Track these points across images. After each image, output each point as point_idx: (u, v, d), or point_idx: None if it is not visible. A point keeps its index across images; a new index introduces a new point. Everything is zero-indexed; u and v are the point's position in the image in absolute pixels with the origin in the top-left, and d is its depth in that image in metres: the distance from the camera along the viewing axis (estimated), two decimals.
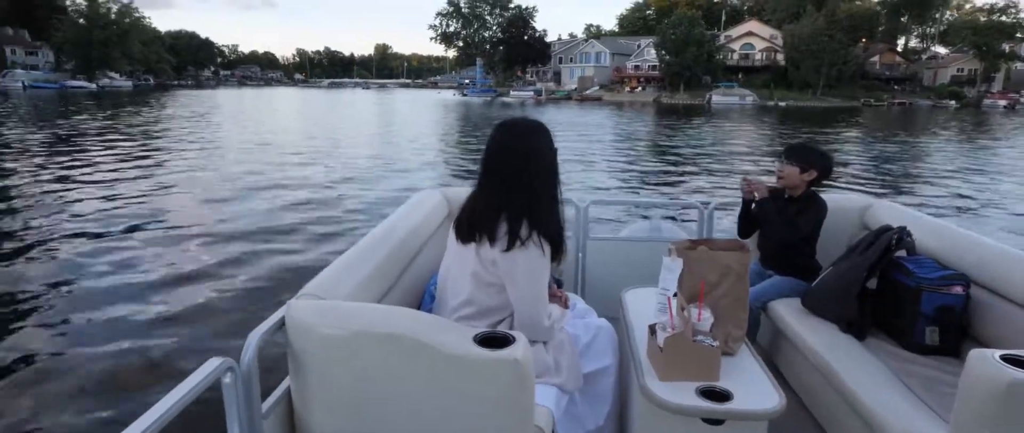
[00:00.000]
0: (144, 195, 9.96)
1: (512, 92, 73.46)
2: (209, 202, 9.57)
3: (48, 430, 3.46)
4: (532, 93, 71.61)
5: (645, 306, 2.23)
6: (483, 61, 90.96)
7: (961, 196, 11.89)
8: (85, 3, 75.31)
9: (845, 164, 16.34)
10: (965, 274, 2.32)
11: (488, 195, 1.79)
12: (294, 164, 14.00)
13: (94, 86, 68.04)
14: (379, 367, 1.47)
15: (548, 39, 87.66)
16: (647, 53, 73.20)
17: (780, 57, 69.23)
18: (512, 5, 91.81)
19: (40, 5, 77.49)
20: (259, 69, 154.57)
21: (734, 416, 1.66)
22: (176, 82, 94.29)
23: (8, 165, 12.99)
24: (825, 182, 2.89)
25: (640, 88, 71.41)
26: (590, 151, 18.12)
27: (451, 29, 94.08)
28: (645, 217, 4.24)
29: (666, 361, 1.76)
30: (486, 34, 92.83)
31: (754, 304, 2.70)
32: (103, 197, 9.68)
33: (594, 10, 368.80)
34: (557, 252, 1.81)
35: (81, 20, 73.19)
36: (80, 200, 9.49)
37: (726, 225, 4.56)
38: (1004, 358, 1.47)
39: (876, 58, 72.15)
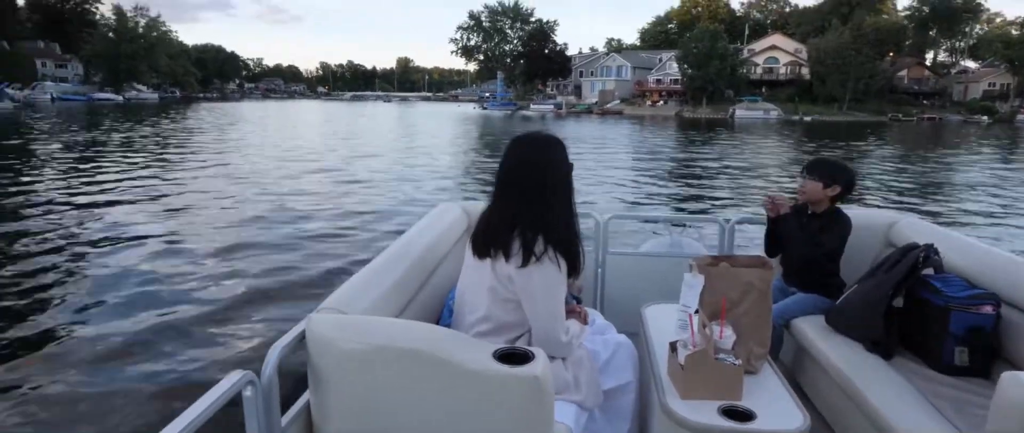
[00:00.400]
0: (164, 206, 10.02)
1: (532, 106, 73.26)
2: (229, 213, 9.61)
3: None
4: (552, 107, 71.36)
5: (665, 322, 2.19)
6: (504, 74, 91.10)
7: (992, 214, 11.46)
8: (114, 17, 77.05)
9: (872, 180, 15.89)
10: (995, 293, 2.23)
11: (503, 210, 1.78)
12: (314, 176, 14.01)
13: (121, 98, 69.25)
14: (398, 382, 1.47)
15: (569, 53, 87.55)
16: (669, 67, 72.67)
17: (805, 71, 68.28)
18: (533, 19, 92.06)
19: (71, 19, 79.56)
20: (282, 82, 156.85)
21: None
22: (201, 95, 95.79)
23: (30, 175, 13.13)
24: (848, 197, 2.83)
25: (662, 102, 70.83)
26: (611, 166, 17.97)
27: (472, 43, 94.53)
28: (665, 232, 4.18)
29: (687, 379, 1.72)
30: (507, 48, 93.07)
31: (777, 321, 2.63)
32: (125, 208, 9.75)
33: (615, 24, 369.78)
34: (574, 268, 1.78)
35: (110, 34, 74.80)
36: (101, 210, 9.54)
37: (748, 241, 4.46)
38: None
39: (904, 72, 70.86)
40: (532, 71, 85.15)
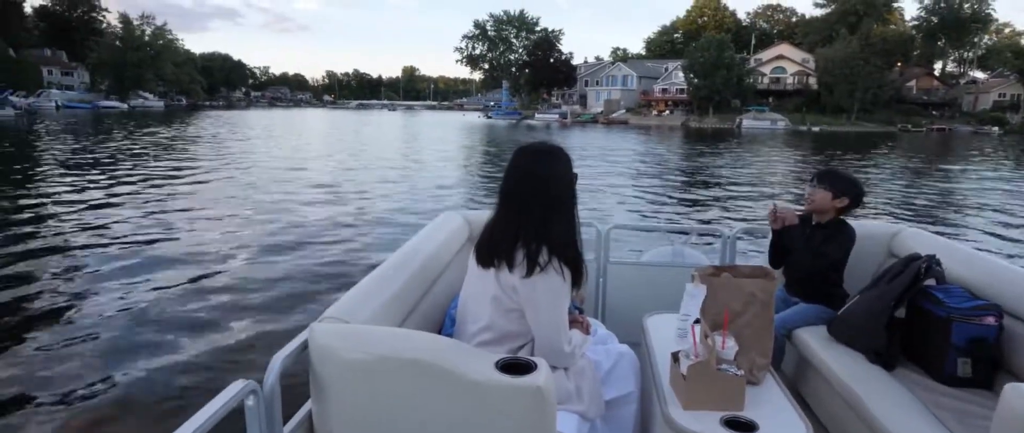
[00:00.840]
0: (168, 214, 9.98)
1: (537, 115, 72.93)
2: (232, 221, 9.63)
3: None
4: (557, 116, 70.95)
5: (667, 332, 2.20)
6: (509, 83, 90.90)
7: (1003, 225, 11.35)
8: (120, 26, 77.26)
9: (882, 191, 15.57)
10: (998, 304, 2.23)
11: (508, 220, 1.77)
12: (317, 185, 13.97)
13: (126, 106, 69.19)
14: (401, 392, 1.48)
15: (574, 62, 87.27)
16: (675, 76, 72.27)
17: (812, 81, 67.73)
18: (538, 28, 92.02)
19: (78, 28, 79.86)
20: (288, 90, 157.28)
21: None
22: (208, 103, 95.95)
23: (32, 182, 13.16)
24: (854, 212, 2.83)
25: (668, 112, 70.38)
26: (614, 175, 17.79)
27: (477, 52, 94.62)
28: (667, 242, 4.10)
29: (689, 389, 1.73)
30: (512, 57, 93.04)
31: (779, 331, 2.64)
32: (128, 217, 9.75)
33: (621, 34, 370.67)
34: (577, 278, 1.79)
35: (116, 42, 74.94)
36: (101, 218, 9.51)
37: (750, 250, 4.38)
38: None
39: (913, 82, 70.21)
40: (537, 80, 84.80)
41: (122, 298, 5.82)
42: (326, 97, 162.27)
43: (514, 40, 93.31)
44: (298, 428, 1.57)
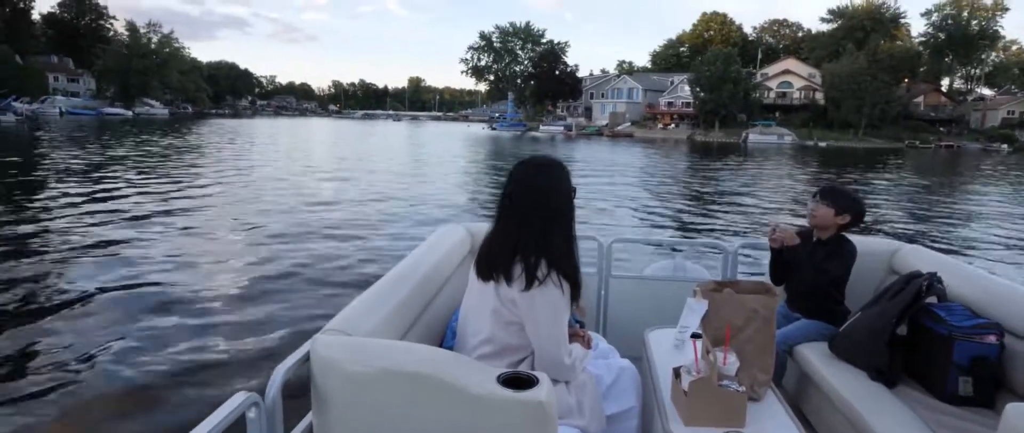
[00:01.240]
0: (166, 225, 9.83)
1: (542, 127, 72.67)
2: (234, 232, 9.53)
3: None
4: (562, 128, 70.72)
5: (669, 347, 2.22)
6: (514, 95, 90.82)
7: (1008, 244, 11.27)
8: (127, 34, 77.51)
9: (890, 208, 15.31)
10: (999, 323, 2.22)
11: (507, 233, 1.78)
12: (320, 196, 13.87)
13: (130, 113, 69.27)
14: (402, 405, 1.48)
15: (580, 74, 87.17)
16: (681, 89, 72.02)
17: (819, 96, 67.39)
18: (544, 40, 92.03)
19: (85, 35, 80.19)
20: (294, 99, 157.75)
21: None
22: (213, 111, 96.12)
23: (32, 189, 13.08)
24: (854, 230, 2.83)
25: (673, 125, 70.08)
26: (618, 189, 17.66)
27: (482, 63, 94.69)
28: (669, 256, 4.17)
29: (691, 405, 1.73)
30: (517, 68, 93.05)
31: (780, 347, 2.58)
32: (128, 225, 9.64)
33: (627, 47, 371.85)
34: (576, 291, 1.79)
35: (123, 50, 75.14)
36: (102, 227, 9.40)
37: (752, 266, 4.35)
38: None
39: (921, 99, 69.77)
40: (542, 92, 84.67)
41: (121, 309, 5.73)
42: (332, 107, 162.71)
43: (520, 52, 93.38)
44: None
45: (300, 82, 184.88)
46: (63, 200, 11.75)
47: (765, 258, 2.99)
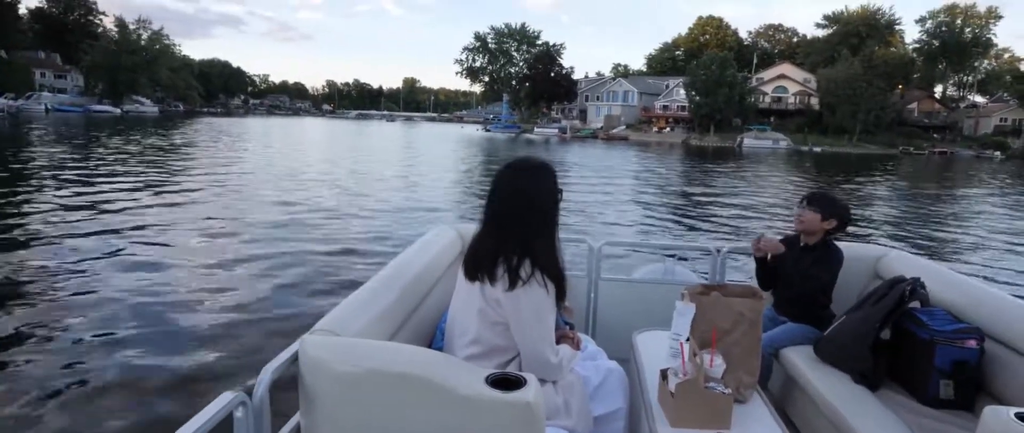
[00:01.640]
0: (157, 222, 9.80)
1: (537, 129, 72.24)
2: (223, 232, 9.38)
3: None
4: (557, 130, 70.30)
5: (656, 349, 2.23)
6: (509, 97, 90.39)
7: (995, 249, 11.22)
8: (116, 29, 76.54)
9: (885, 214, 15.15)
10: (980, 328, 2.27)
11: (493, 234, 1.80)
12: (310, 197, 13.72)
13: (118, 111, 68.20)
14: (390, 406, 1.48)
15: (575, 76, 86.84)
16: (676, 93, 71.83)
17: (814, 101, 67.32)
18: (539, 41, 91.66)
19: (73, 30, 79.09)
20: (288, 99, 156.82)
21: None
22: (205, 109, 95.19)
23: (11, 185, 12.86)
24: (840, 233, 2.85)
25: (668, 129, 69.84)
26: (611, 192, 17.52)
27: (477, 64, 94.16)
28: (658, 259, 4.00)
29: (677, 407, 1.76)
30: (512, 70, 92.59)
31: (766, 350, 2.65)
32: (115, 223, 9.53)
33: (622, 50, 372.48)
34: (561, 292, 1.80)
35: (112, 46, 74.08)
36: (90, 225, 9.32)
37: (740, 269, 4.45)
38: (1019, 416, 1.46)
39: (914, 105, 69.83)
40: (537, 94, 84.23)
41: (106, 309, 5.64)
42: (325, 106, 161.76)
43: (515, 53, 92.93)
44: None
45: (294, 81, 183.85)
46: (40, 199, 11.47)
47: (753, 262, 2.98)
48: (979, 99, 79.21)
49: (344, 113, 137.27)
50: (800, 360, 2.60)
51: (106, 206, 11.02)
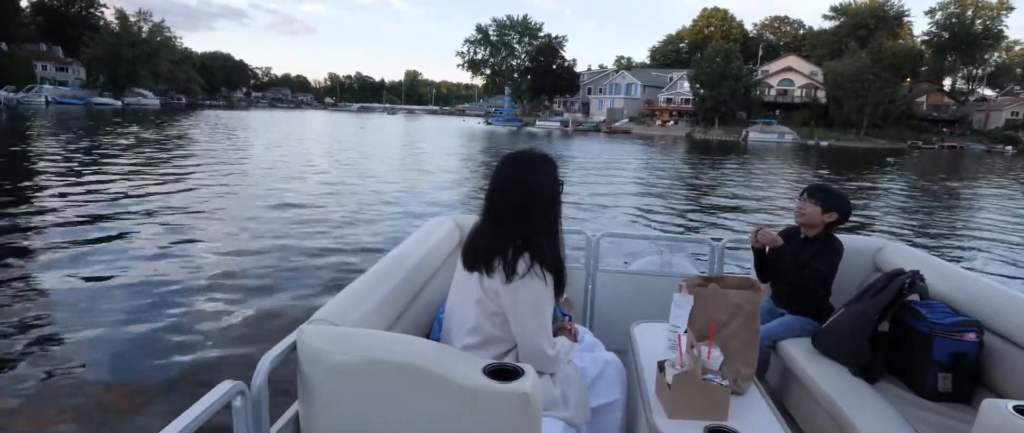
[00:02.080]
0: (157, 213, 9.82)
1: (539, 122, 71.49)
2: (223, 222, 9.45)
3: None
4: (559, 124, 69.58)
5: (654, 341, 2.24)
6: (511, 89, 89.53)
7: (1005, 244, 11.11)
8: (117, 22, 75.91)
9: (887, 208, 14.70)
10: (978, 321, 2.28)
11: (492, 226, 1.80)
12: (308, 188, 13.77)
13: (119, 103, 67.65)
14: (388, 396, 1.49)
15: (577, 69, 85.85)
16: (680, 86, 70.91)
17: (820, 94, 66.34)
18: (541, 34, 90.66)
19: (75, 23, 78.56)
20: (290, 91, 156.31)
21: None
22: (207, 102, 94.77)
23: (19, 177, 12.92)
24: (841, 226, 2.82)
25: (672, 122, 68.98)
26: (612, 186, 17.44)
27: (479, 57, 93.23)
28: (656, 251, 3.90)
29: (674, 398, 1.78)
30: (514, 62, 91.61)
31: (764, 342, 2.65)
32: (114, 214, 9.58)
33: (625, 42, 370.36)
34: (560, 284, 1.80)
35: (113, 38, 73.50)
36: (89, 217, 9.31)
37: (738, 261, 4.55)
38: (1017, 409, 1.47)
39: (923, 98, 68.76)
40: (539, 87, 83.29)
41: (105, 300, 5.67)
42: (327, 99, 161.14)
43: (517, 45, 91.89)
44: (285, 429, 1.57)
45: (296, 74, 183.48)
46: (33, 192, 11.36)
47: (751, 254, 2.93)
48: (988, 92, 78.01)
49: (346, 106, 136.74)
50: (798, 352, 2.60)
51: (103, 198, 10.94)
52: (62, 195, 11.10)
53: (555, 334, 1.88)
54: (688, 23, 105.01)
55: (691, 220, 12.39)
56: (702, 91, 63.06)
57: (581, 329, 2.28)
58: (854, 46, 65.13)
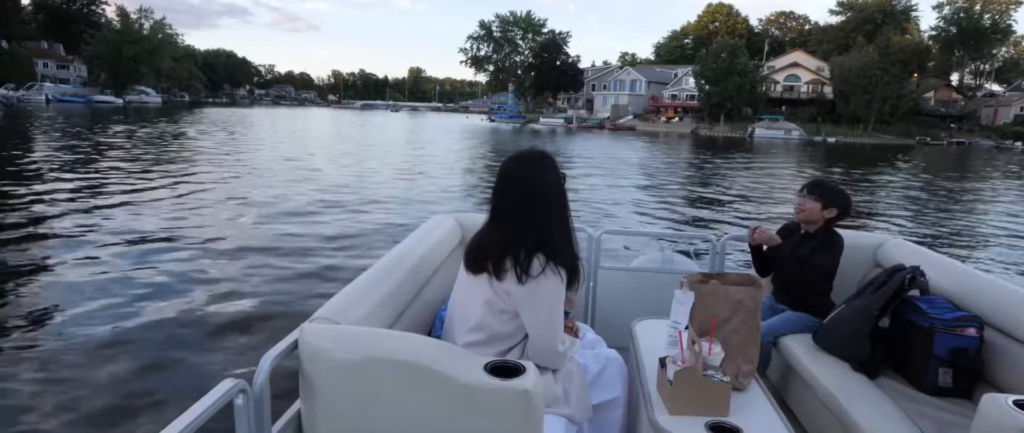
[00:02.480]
0: (157, 212, 9.77)
1: (542, 119, 70.92)
2: (223, 221, 9.42)
3: None
4: (562, 121, 69.02)
5: (655, 338, 2.24)
6: (514, 86, 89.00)
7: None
8: (118, 19, 75.70)
9: (899, 207, 14.30)
10: (979, 316, 2.28)
11: (500, 228, 1.78)
12: (311, 186, 13.66)
13: (121, 101, 67.43)
14: (389, 393, 1.50)
15: (581, 65, 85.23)
16: (685, 82, 70.29)
17: (827, 90, 65.62)
18: (545, 30, 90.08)
19: (76, 20, 78.38)
20: (293, 89, 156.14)
21: None
22: (210, 100, 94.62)
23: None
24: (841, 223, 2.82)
25: (677, 118, 68.39)
26: (615, 183, 17.21)
27: (482, 53, 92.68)
28: (657, 248, 3.76)
29: (676, 395, 1.78)
30: (518, 58, 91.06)
31: (765, 339, 2.64)
32: (114, 213, 9.52)
33: (630, 38, 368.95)
34: (574, 279, 1.81)
35: (115, 36, 73.24)
36: (91, 215, 9.26)
37: (739, 258, 4.72)
38: (1017, 403, 1.47)
39: (931, 94, 67.96)
40: (543, 83, 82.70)
41: (107, 296, 5.65)
42: (331, 97, 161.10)
43: (520, 42, 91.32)
44: (287, 428, 1.57)
45: (300, 72, 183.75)
46: (41, 191, 11.28)
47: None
48: (996, 88, 77.17)
49: (349, 103, 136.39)
50: (799, 348, 2.60)
51: (104, 197, 10.86)
52: (61, 194, 10.97)
53: None
54: (693, 19, 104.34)
55: (693, 217, 12.25)
56: (707, 87, 62.42)
57: (582, 326, 2.29)
58: (861, 41, 64.43)
